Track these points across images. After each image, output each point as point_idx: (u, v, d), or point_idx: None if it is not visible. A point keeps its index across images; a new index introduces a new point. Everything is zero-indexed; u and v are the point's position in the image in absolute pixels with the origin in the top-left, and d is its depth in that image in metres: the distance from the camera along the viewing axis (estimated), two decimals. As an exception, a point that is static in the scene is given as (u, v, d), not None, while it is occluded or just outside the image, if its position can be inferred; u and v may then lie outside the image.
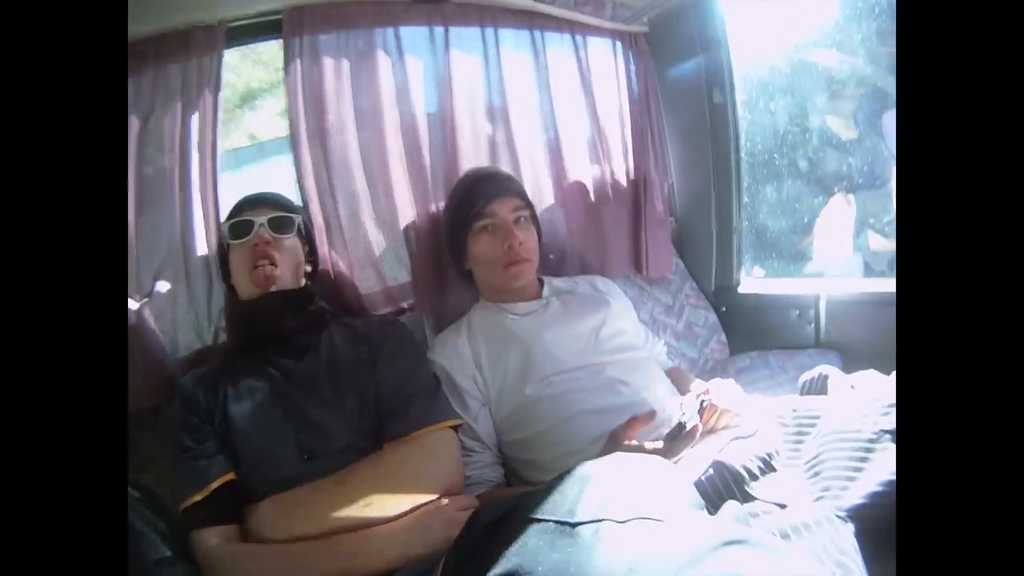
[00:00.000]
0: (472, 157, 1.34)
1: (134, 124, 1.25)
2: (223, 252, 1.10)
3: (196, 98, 1.25)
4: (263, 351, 1.02)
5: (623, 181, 1.58)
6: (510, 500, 0.76)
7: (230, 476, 0.91)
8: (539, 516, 0.62)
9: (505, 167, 1.39)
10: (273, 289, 1.02)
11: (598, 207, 1.52)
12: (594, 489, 0.62)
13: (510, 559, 0.60)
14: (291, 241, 1.07)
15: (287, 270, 1.05)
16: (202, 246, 1.22)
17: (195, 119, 1.24)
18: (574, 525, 0.59)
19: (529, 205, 1.20)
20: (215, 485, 0.90)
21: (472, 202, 1.16)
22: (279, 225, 1.06)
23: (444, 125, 1.35)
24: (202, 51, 1.27)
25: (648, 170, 1.60)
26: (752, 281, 1.73)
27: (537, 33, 1.51)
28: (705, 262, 1.70)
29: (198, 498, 0.89)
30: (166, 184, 1.23)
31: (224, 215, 1.14)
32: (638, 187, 1.58)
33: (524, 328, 1.13)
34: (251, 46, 1.34)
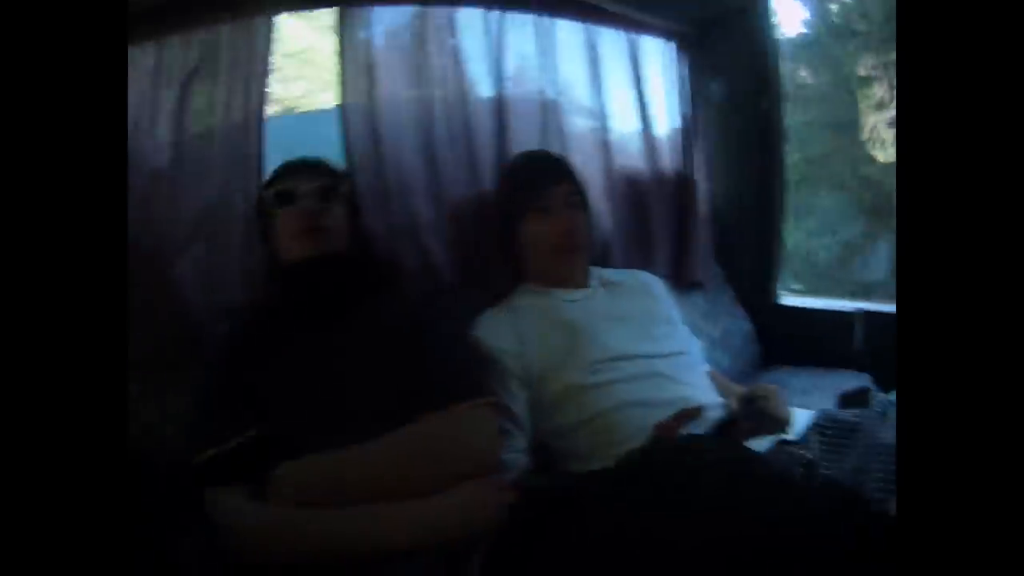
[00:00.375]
0: (522, 141, 1.33)
1: (180, 80, 1.24)
2: (264, 214, 1.08)
3: (245, 59, 1.23)
4: (302, 314, 1.00)
5: (668, 181, 1.56)
6: (569, 480, 0.75)
7: (254, 433, 0.88)
8: (639, 481, 0.65)
9: (554, 155, 1.36)
10: (317, 255, 1.00)
11: (642, 204, 1.50)
12: (691, 451, 0.65)
13: (607, 531, 0.63)
14: (337, 209, 1.05)
15: (332, 237, 1.02)
16: (241, 204, 1.20)
17: (242, 80, 1.23)
18: (683, 485, 0.61)
19: (582, 191, 1.18)
20: (239, 440, 0.87)
21: (528, 184, 1.14)
22: (326, 193, 1.03)
23: (495, 108, 1.33)
24: (253, 12, 1.25)
25: (692, 172, 1.57)
26: (791, 295, 1.70)
27: (591, 26, 1.49)
28: (744, 271, 1.67)
29: (218, 452, 0.86)
30: (210, 141, 1.21)
31: (268, 176, 1.12)
32: (682, 188, 1.56)
33: (572, 313, 1.11)
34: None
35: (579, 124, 1.44)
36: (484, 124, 1.31)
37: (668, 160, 1.57)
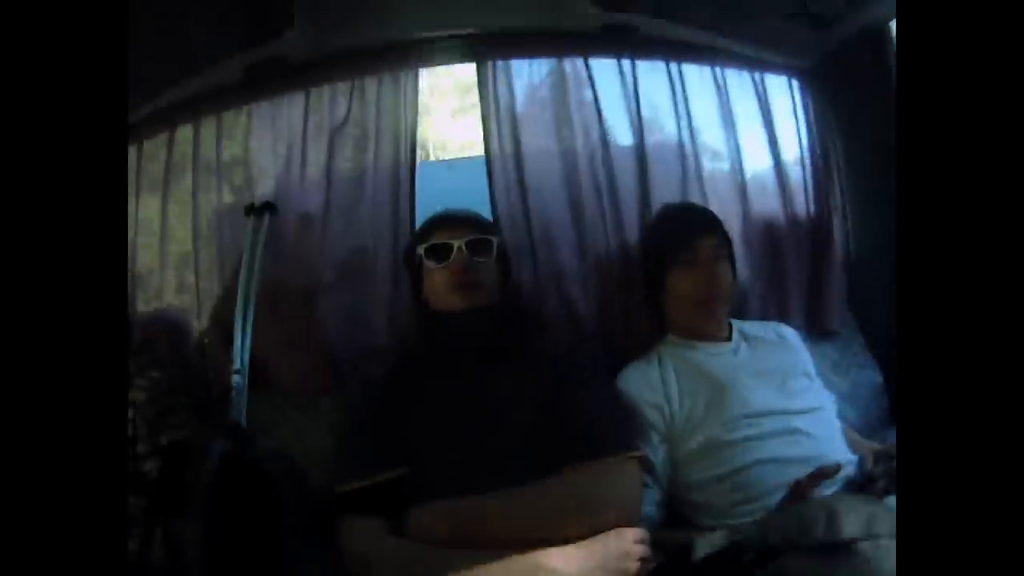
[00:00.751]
0: (663, 188, 1.34)
1: (329, 129, 1.31)
2: (416, 266, 1.11)
3: (392, 109, 1.29)
4: (451, 361, 1.03)
5: (802, 224, 1.52)
6: (720, 535, 0.77)
7: (400, 472, 0.91)
8: (797, 539, 0.64)
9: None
10: (471, 308, 1.04)
11: (778, 249, 1.47)
12: (849, 508, 0.64)
13: None
14: (489, 263, 1.08)
15: (484, 292, 1.06)
16: (388, 250, 1.25)
17: (389, 128, 1.29)
18: (848, 543, 0.61)
19: (728, 243, 1.18)
20: (385, 476, 0.90)
21: (674, 237, 1.15)
22: (477, 248, 1.06)
23: (635, 156, 1.35)
24: (396, 67, 1.32)
25: (827, 215, 1.53)
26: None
27: (718, 70, 1.49)
28: (877, 320, 1.59)
29: (361, 485, 0.90)
30: (359, 188, 1.29)
31: (417, 224, 1.17)
32: (817, 232, 1.51)
33: (718, 367, 1.11)
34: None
35: (714, 168, 1.44)
36: (626, 172, 1.34)
37: (802, 202, 1.53)
